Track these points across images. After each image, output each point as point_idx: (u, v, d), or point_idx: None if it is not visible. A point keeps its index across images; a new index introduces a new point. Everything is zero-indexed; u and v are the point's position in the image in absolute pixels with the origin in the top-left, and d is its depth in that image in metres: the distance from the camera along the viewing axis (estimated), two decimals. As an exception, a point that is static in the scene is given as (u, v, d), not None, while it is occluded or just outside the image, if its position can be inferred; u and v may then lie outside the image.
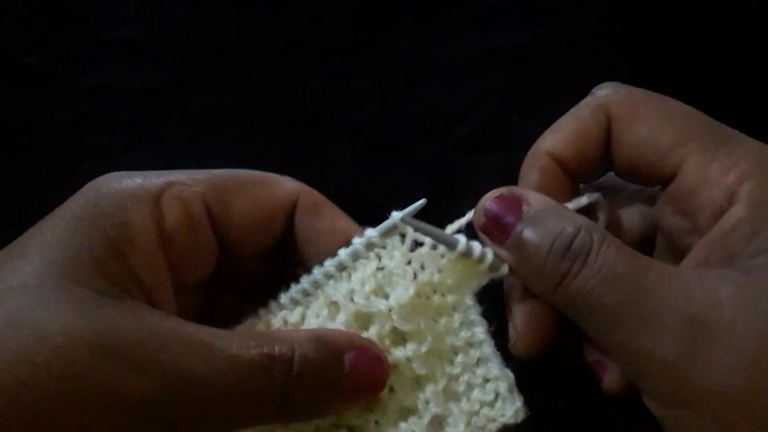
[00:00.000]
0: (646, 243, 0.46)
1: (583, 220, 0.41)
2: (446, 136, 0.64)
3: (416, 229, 0.44)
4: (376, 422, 0.43)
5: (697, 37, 0.66)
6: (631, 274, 0.38)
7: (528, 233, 0.41)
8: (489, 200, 0.43)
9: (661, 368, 0.37)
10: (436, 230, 0.44)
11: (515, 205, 0.42)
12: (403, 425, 0.43)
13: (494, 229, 0.43)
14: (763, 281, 0.36)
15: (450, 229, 0.45)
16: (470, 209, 0.45)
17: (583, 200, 0.45)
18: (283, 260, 0.48)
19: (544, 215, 0.41)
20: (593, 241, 0.39)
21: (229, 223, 0.44)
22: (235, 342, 0.38)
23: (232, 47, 0.67)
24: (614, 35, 0.67)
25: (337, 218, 0.47)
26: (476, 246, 0.44)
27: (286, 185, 0.46)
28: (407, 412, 0.43)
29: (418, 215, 0.45)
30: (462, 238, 0.44)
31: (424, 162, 0.63)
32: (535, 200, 0.42)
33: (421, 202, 0.45)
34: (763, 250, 0.36)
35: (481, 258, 0.44)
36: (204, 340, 0.37)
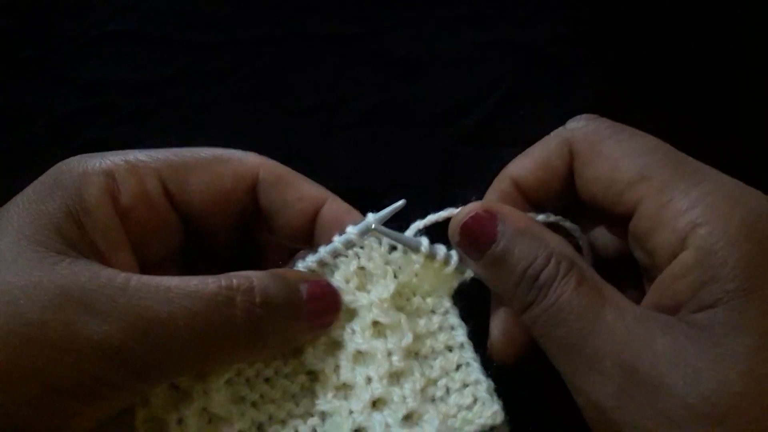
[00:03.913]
0: (624, 258, 0.45)
1: (556, 244, 0.41)
2: (450, 128, 0.64)
3: (383, 234, 0.45)
4: (337, 366, 0.44)
5: (691, 37, 0.67)
6: (584, 311, 0.38)
7: (502, 255, 0.42)
8: (465, 217, 0.43)
9: (594, 408, 0.38)
10: (400, 235, 0.45)
11: (491, 224, 0.42)
12: (377, 416, 0.43)
13: (469, 247, 0.44)
14: (702, 339, 0.36)
15: (412, 229, 0.46)
16: (433, 213, 0.46)
17: (548, 217, 0.46)
18: (254, 233, 0.50)
19: (520, 238, 0.42)
20: (557, 274, 0.39)
21: (188, 198, 0.45)
22: (193, 281, 0.39)
23: (233, 39, 0.67)
24: (611, 31, 0.67)
25: (303, 186, 0.47)
26: (440, 249, 0.45)
27: (246, 160, 0.47)
28: (382, 404, 0.44)
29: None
30: (425, 242, 0.45)
31: (428, 153, 0.63)
32: (511, 219, 0.42)
33: (400, 203, 0.46)
34: (707, 305, 0.36)
35: (446, 261, 0.45)
36: (161, 283, 0.38)
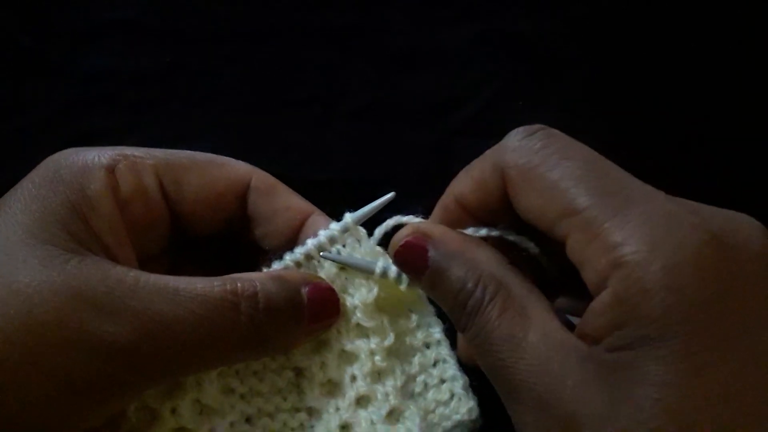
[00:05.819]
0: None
1: (487, 264, 0.42)
2: (445, 121, 0.65)
3: (334, 261, 0.46)
4: (323, 363, 0.46)
5: (688, 32, 0.68)
6: (504, 342, 0.38)
7: (435, 281, 0.43)
8: (397, 244, 0.44)
9: None
10: (352, 259, 0.46)
11: (422, 251, 0.43)
12: (362, 413, 0.45)
13: (408, 272, 0.45)
14: (609, 380, 0.35)
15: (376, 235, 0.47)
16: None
17: (490, 231, 0.45)
18: (241, 243, 0.50)
19: (451, 262, 0.42)
20: (483, 300, 0.40)
21: (182, 197, 0.46)
22: (199, 283, 0.40)
23: (231, 31, 0.68)
24: (607, 25, 0.68)
25: (291, 197, 0.49)
26: (393, 270, 0.46)
27: (239, 167, 0.48)
28: (366, 401, 0.46)
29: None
30: (379, 264, 0.46)
31: (424, 145, 0.64)
32: (442, 242, 0.43)
33: (388, 196, 0.47)
34: (617, 347, 0.36)
35: (399, 279, 0.46)
36: (169, 285, 0.39)
